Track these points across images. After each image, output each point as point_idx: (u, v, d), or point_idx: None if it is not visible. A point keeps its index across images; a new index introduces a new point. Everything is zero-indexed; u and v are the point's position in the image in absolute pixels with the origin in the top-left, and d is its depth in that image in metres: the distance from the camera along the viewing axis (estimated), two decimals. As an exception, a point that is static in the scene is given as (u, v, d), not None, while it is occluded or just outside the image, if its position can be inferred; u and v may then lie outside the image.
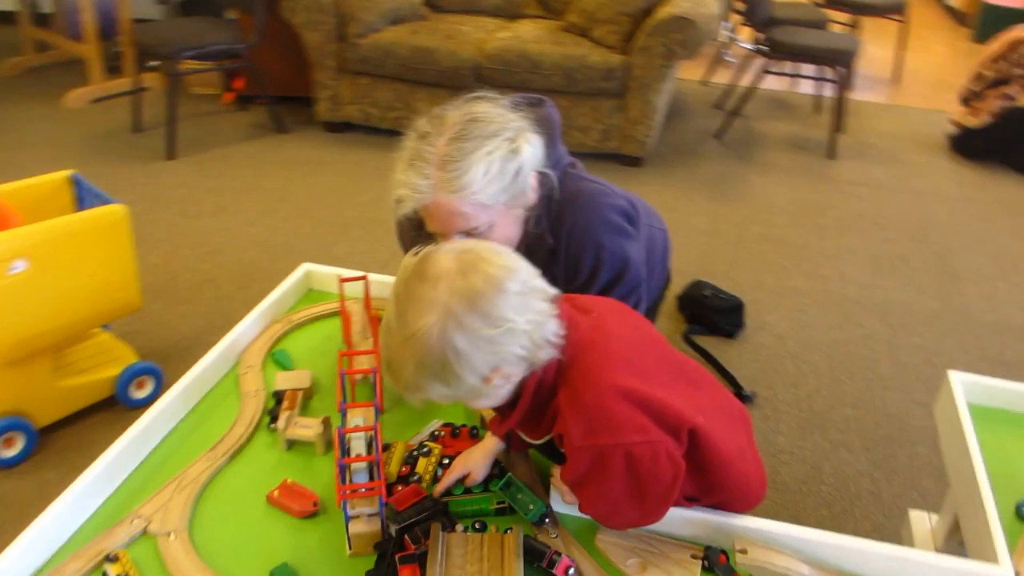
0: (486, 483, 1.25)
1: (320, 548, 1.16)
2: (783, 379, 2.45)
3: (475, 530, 1.15)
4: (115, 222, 1.95)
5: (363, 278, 1.55)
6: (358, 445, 1.17)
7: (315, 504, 1.20)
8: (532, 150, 1.25)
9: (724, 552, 1.17)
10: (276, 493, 1.22)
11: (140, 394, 2.12)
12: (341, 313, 1.59)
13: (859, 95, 5.13)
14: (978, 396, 1.53)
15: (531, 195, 1.27)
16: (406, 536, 1.13)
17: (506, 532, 1.13)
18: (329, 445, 1.32)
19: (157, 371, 2.15)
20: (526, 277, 0.97)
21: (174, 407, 1.37)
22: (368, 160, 3.79)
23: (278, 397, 1.42)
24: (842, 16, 5.20)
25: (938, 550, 1.60)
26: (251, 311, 1.59)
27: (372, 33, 3.83)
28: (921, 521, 1.70)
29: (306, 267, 1.77)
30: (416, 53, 3.75)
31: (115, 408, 2.12)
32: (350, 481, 1.15)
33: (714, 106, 4.76)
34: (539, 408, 1.03)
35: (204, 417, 1.40)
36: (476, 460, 1.24)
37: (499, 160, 1.21)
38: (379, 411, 1.23)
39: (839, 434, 2.24)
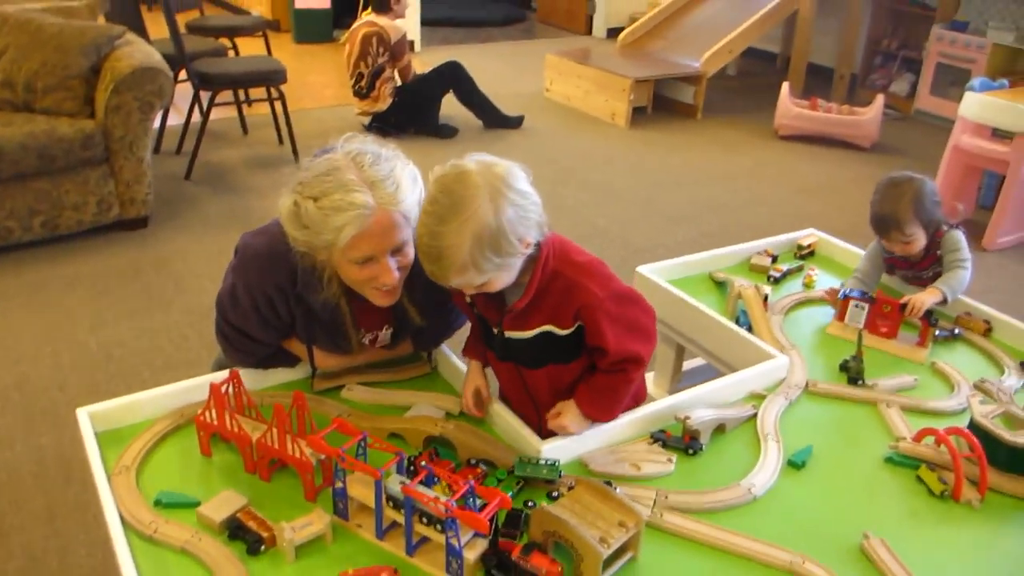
0: (485, 477, 1.40)
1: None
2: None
3: (533, 507, 1.31)
4: None
5: (235, 376, 1.44)
6: (423, 489, 1.21)
7: (396, 571, 1.21)
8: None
9: (663, 430, 1.55)
10: (356, 591, 1.19)
11: None
12: (203, 426, 1.45)
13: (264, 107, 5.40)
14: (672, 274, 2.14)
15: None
16: (500, 539, 1.24)
17: (571, 488, 1.32)
18: (334, 531, 1.30)
19: None
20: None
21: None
22: None
23: (234, 524, 1.29)
24: (224, 40, 5.43)
25: (670, 392, 2.20)
26: (99, 484, 1.36)
27: None
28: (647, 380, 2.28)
29: (85, 412, 1.52)
30: None
31: None
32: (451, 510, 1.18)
33: (154, 152, 4.64)
34: (542, 291, 1.37)
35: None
36: (473, 379, 1.55)
37: (408, 171, 1.40)
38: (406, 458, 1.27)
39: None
